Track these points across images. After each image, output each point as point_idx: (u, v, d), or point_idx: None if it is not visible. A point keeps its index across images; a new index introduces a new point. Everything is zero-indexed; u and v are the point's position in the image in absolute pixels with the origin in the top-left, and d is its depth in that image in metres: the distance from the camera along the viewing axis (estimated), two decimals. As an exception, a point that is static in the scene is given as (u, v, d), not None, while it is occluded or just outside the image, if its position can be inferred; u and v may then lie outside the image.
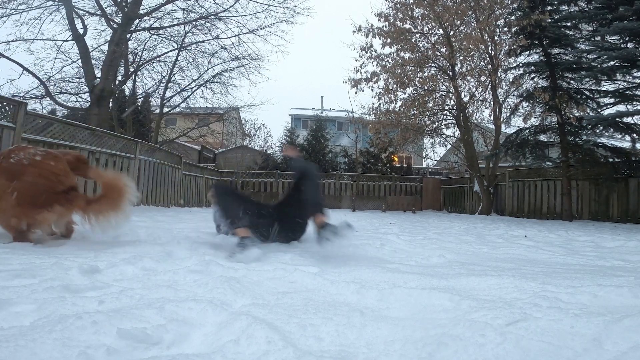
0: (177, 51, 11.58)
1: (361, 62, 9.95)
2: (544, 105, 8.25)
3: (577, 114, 8.01)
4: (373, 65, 10.17)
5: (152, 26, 11.00)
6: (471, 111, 10.32)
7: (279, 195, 11.62)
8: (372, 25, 9.67)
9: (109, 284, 1.28)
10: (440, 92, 10.33)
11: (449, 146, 12.15)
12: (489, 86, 9.75)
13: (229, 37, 11.61)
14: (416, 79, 9.98)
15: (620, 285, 1.24)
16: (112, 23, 10.17)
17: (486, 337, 0.81)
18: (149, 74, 12.33)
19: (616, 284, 1.28)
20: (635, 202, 7.06)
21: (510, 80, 9.30)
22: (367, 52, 9.91)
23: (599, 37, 7.55)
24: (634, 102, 7.48)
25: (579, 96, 8.18)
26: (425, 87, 9.94)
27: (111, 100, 10.46)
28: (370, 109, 10.56)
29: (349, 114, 15.41)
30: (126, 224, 2.11)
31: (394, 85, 9.80)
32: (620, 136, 7.75)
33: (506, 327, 0.88)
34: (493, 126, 10.25)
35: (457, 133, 10.90)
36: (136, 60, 11.48)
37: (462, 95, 9.80)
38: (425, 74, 10.04)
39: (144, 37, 11.43)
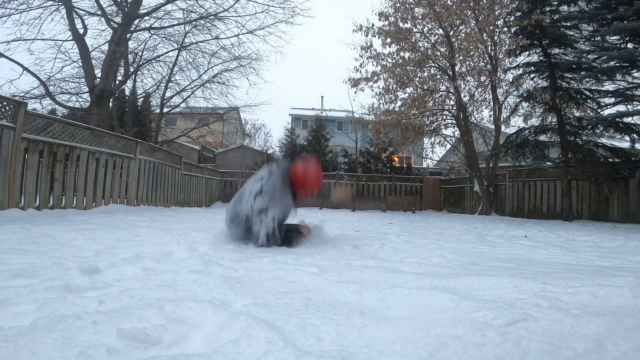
0: (177, 51, 11.59)
1: (361, 62, 9.94)
2: (544, 106, 8.25)
3: (577, 114, 8.01)
4: (373, 65, 10.15)
5: (152, 26, 11.00)
6: (471, 111, 10.32)
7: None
8: (372, 25, 9.67)
9: (109, 284, 1.28)
10: (440, 92, 10.33)
11: (448, 146, 12.14)
12: (489, 86, 9.75)
13: (228, 38, 11.62)
14: (416, 79, 9.97)
15: (620, 286, 1.24)
16: (112, 23, 10.17)
17: (486, 337, 0.81)
18: (149, 74, 12.35)
19: (616, 284, 1.27)
20: (635, 202, 7.06)
21: (510, 80, 9.30)
22: (367, 52, 9.89)
23: (599, 37, 7.54)
24: (634, 102, 7.48)
25: (579, 96, 8.18)
26: (425, 87, 9.93)
27: (111, 100, 10.46)
28: (370, 109, 10.56)
29: (349, 114, 15.40)
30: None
31: (394, 85, 9.79)
32: (620, 136, 7.75)
33: (506, 327, 0.88)
34: (493, 126, 10.24)
35: (457, 133, 10.89)
36: (136, 60, 11.48)
37: (462, 95, 9.79)
38: (425, 73, 10.04)
39: (144, 37, 11.45)
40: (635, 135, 7.41)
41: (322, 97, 43.45)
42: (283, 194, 2.34)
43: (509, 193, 9.50)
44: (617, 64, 6.46)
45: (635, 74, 7.14)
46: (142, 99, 14.12)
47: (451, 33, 9.45)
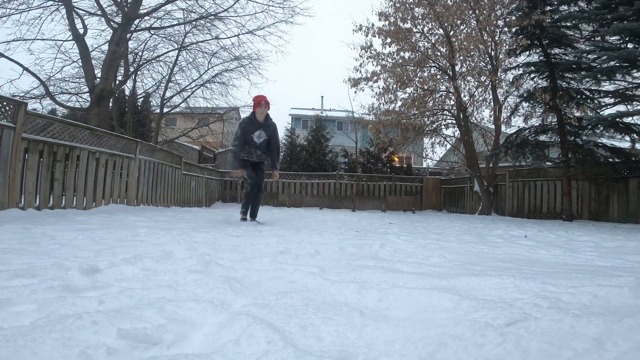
0: (177, 51, 11.59)
1: (361, 62, 9.94)
2: (544, 106, 8.24)
3: (577, 114, 8.01)
4: (373, 65, 10.14)
5: (152, 26, 11.00)
6: (471, 111, 10.32)
7: (279, 195, 11.62)
8: (372, 25, 9.67)
9: (109, 284, 1.28)
10: (440, 92, 10.33)
11: (449, 146, 12.14)
12: (489, 86, 9.74)
13: (228, 37, 11.62)
14: (416, 79, 9.97)
15: (620, 286, 1.24)
16: (112, 23, 10.17)
17: (486, 337, 0.81)
18: (149, 74, 12.35)
19: (617, 284, 1.27)
20: (635, 202, 7.06)
21: (510, 80, 9.30)
22: (367, 52, 9.89)
23: (599, 38, 7.54)
24: (634, 102, 7.47)
25: (579, 96, 8.18)
26: (425, 87, 9.93)
27: (111, 100, 10.46)
28: (370, 109, 10.56)
29: (349, 114, 15.38)
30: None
31: (394, 85, 9.78)
32: (620, 136, 7.74)
33: (506, 327, 0.88)
34: (493, 126, 10.24)
35: (457, 133, 10.89)
36: (136, 60, 11.48)
37: (462, 95, 9.79)
38: (425, 73, 10.03)
39: (144, 37, 11.45)
40: (635, 135, 7.41)
41: (322, 97, 43.48)
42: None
43: (509, 193, 9.50)
44: (617, 64, 6.46)
45: (635, 74, 7.13)
46: (142, 99, 14.12)
47: (451, 33, 9.45)
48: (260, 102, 4.44)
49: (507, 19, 9.02)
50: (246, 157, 4.48)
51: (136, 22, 10.52)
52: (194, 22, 11.04)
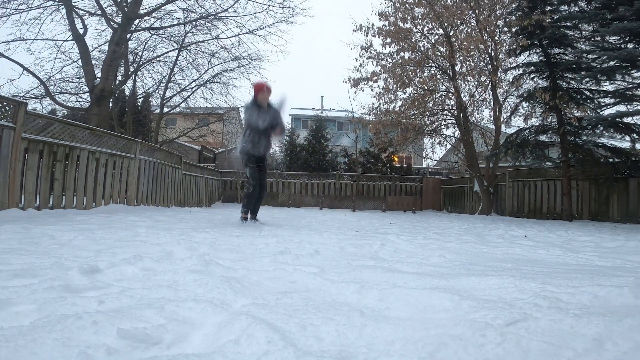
0: (177, 51, 11.59)
1: (361, 62, 9.95)
2: (544, 106, 8.24)
3: (577, 114, 8.01)
4: (373, 65, 10.14)
5: (152, 26, 11.01)
6: (471, 111, 10.32)
7: (279, 195, 11.62)
8: (372, 25, 9.67)
9: (109, 284, 1.28)
10: (440, 92, 10.33)
11: (449, 146, 12.14)
12: (489, 86, 9.74)
13: (228, 37, 11.63)
14: (416, 79, 9.97)
15: (620, 286, 1.24)
16: (112, 23, 10.17)
17: (486, 337, 0.81)
18: (149, 74, 12.37)
19: (616, 284, 1.27)
20: (635, 202, 7.06)
21: (510, 80, 9.30)
22: (367, 52, 9.90)
23: (599, 38, 7.54)
24: (634, 102, 7.47)
25: (579, 96, 8.18)
26: (425, 87, 9.93)
27: (111, 100, 10.46)
28: (370, 109, 10.56)
29: (349, 114, 15.39)
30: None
31: (394, 85, 9.79)
32: (620, 136, 7.74)
33: (506, 327, 0.88)
34: (493, 126, 10.24)
35: (457, 133, 10.89)
36: (136, 60, 11.49)
37: (462, 95, 9.79)
38: (425, 73, 10.03)
39: (144, 37, 11.46)
40: (635, 135, 7.41)
41: (322, 97, 43.47)
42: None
43: (509, 193, 9.50)
44: (617, 64, 6.46)
45: (635, 74, 7.13)
46: (142, 99, 14.12)
47: (451, 33, 9.45)
48: (262, 88, 4.30)
49: (507, 19, 9.02)
50: (251, 150, 4.34)
51: (136, 22, 10.52)
52: (194, 22, 11.05)
